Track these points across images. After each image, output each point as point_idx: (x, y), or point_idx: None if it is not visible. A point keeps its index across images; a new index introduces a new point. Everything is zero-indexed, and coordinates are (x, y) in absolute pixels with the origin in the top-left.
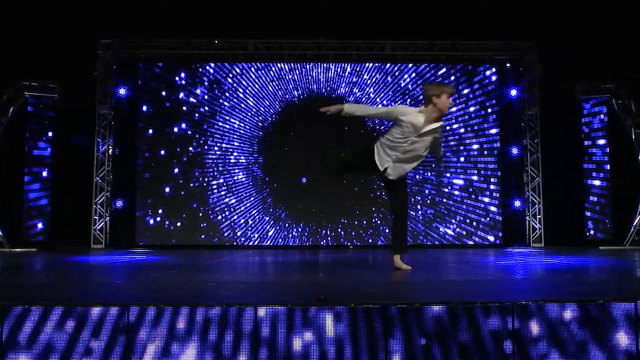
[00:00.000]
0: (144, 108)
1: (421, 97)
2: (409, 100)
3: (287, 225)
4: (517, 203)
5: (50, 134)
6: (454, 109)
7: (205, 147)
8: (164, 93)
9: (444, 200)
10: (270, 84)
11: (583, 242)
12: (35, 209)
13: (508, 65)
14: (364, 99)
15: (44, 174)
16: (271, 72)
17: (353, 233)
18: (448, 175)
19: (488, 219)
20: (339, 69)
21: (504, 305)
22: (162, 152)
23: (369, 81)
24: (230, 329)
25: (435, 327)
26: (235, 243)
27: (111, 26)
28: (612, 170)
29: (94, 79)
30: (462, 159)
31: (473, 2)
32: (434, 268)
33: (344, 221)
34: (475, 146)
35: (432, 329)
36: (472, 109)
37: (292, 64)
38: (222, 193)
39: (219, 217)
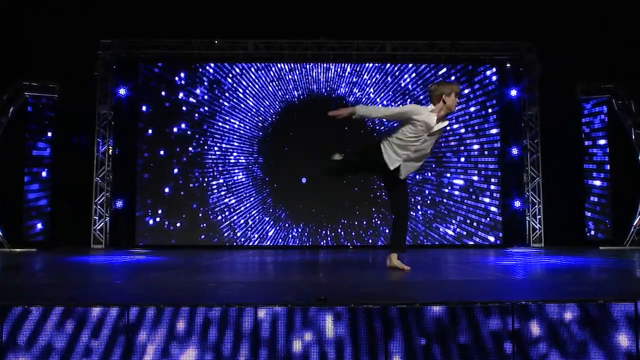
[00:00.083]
0: (144, 108)
1: (422, 96)
2: (409, 100)
3: (287, 225)
4: (517, 203)
5: (50, 134)
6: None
7: (205, 147)
8: (163, 93)
9: (444, 200)
10: (270, 84)
11: (583, 242)
12: (35, 209)
13: (508, 65)
14: (364, 99)
15: (44, 174)
16: (271, 72)
17: (353, 233)
18: (448, 175)
19: (488, 219)
20: (339, 69)
21: (504, 305)
22: (162, 152)
23: (369, 81)
24: (230, 329)
25: (435, 327)
26: (235, 243)
27: (111, 26)
28: (612, 170)
29: (94, 79)
30: (462, 159)
31: (473, 2)
32: (434, 268)
33: (344, 221)
34: (475, 146)
35: (432, 329)
36: (472, 109)
37: (292, 64)
38: (222, 193)
39: (219, 218)
